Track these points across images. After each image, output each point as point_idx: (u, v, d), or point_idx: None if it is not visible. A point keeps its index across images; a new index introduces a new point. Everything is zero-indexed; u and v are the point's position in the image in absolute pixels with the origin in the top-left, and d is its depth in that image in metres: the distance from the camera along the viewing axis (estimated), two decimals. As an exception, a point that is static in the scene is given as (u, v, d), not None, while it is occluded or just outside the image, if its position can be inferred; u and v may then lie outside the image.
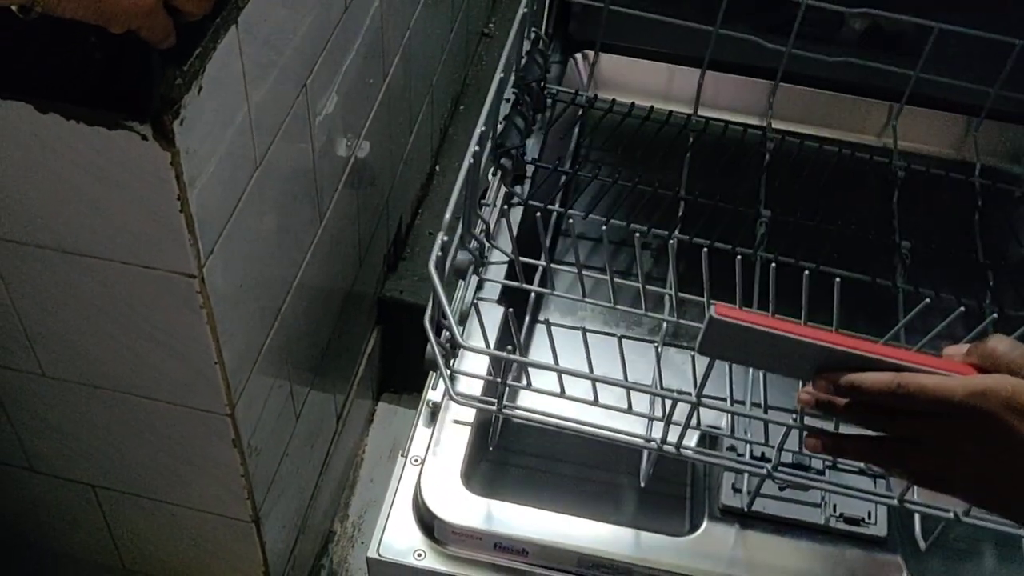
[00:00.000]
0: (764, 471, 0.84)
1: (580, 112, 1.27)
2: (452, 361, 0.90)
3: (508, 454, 0.97)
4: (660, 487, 0.94)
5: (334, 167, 1.15)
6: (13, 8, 0.60)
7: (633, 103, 1.26)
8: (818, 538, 0.89)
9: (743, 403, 0.97)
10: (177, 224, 0.79)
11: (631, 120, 1.24)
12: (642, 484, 0.93)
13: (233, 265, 0.89)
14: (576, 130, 1.27)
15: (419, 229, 1.61)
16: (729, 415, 0.94)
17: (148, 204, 0.78)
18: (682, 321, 1.01)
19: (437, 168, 1.71)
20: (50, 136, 0.75)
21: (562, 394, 0.85)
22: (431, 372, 0.96)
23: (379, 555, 0.87)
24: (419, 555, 0.87)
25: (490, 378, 0.91)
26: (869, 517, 0.89)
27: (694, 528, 0.90)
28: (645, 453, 0.93)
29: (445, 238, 0.88)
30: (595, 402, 0.85)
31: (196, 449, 1.02)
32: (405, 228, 1.58)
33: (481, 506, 0.88)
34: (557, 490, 0.95)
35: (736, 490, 0.91)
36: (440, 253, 0.86)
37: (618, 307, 0.98)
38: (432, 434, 0.93)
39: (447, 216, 0.89)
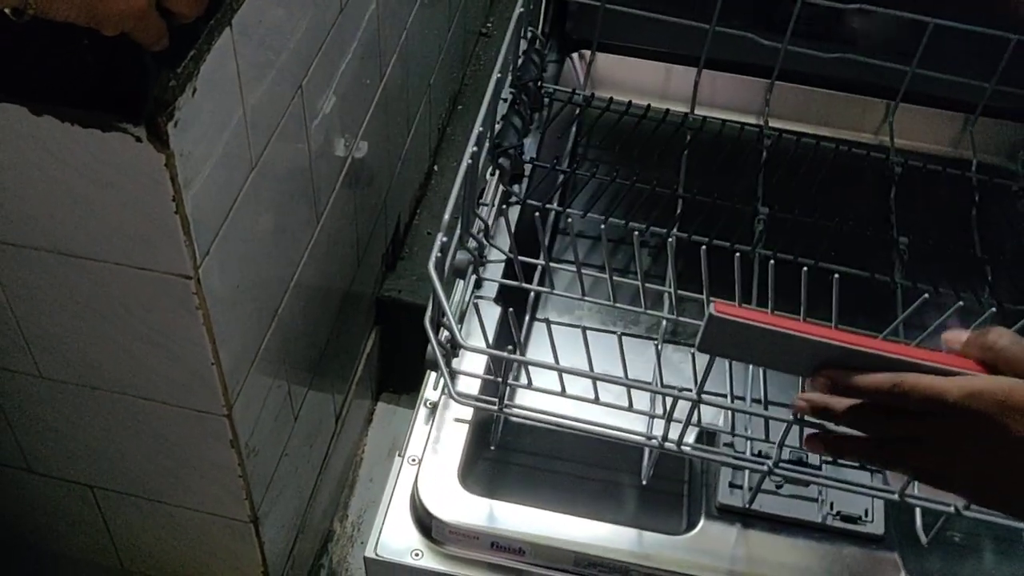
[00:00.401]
0: (765, 467, 0.84)
1: (577, 111, 1.27)
2: (452, 361, 0.91)
3: (505, 453, 0.97)
4: (657, 486, 0.94)
5: (331, 167, 1.15)
6: (6, 11, 0.60)
7: (630, 101, 1.26)
8: (815, 536, 0.89)
9: (743, 399, 0.97)
10: (172, 225, 0.79)
11: (628, 119, 1.24)
12: (644, 482, 0.93)
13: (229, 266, 0.90)
14: (573, 129, 1.27)
15: (417, 229, 1.61)
16: (729, 412, 0.94)
17: (143, 206, 0.78)
18: (681, 319, 1.01)
19: (435, 167, 1.71)
20: (45, 138, 0.75)
21: (563, 393, 0.85)
22: (429, 372, 0.96)
23: (376, 555, 0.87)
24: (416, 555, 0.87)
25: (490, 378, 0.91)
26: (866, 515, 0.89)
27: (691, 527, 0.90)
28: (646, 451, 0.93)
29: (444, 239, 0.88)
30: (596, 400, 0.85)
31: (194, 450, 1.02)
32: (403, 227, 1.58)
33: (478, 505, 0.88)
34: (554, 489, 0.95)
35: (734, 487, 0.91)
36: (439, 254, 0.86)
37: (617, 305, 0.98)
38: (429, 434, 0.93)
39: (446, 217, 0.89)
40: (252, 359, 1.01)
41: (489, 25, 1.95)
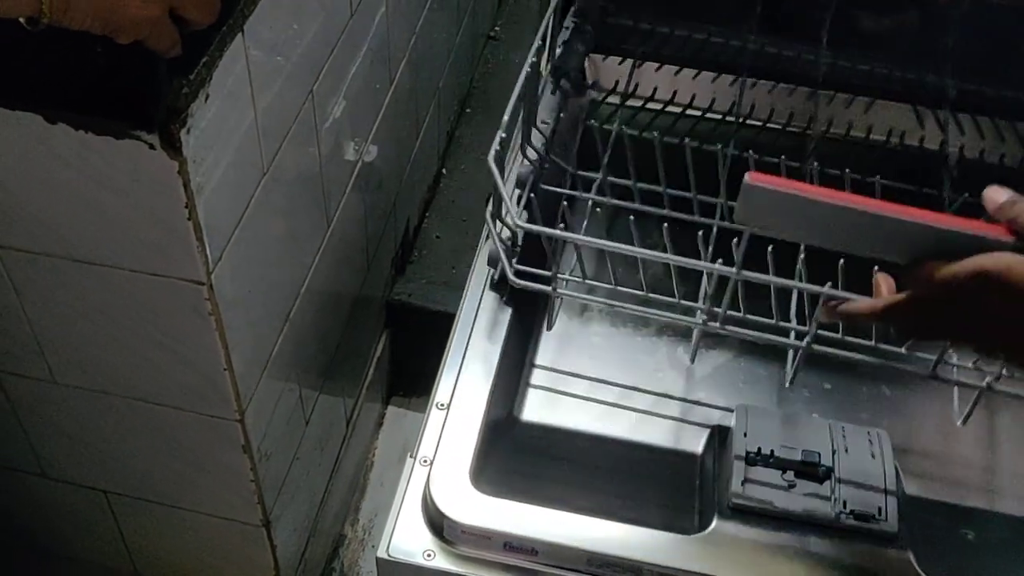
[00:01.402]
0: (803, 344, 0.89)
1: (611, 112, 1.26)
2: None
3: (517, 453, 0.97)
4: (669, 485, 0.94)
5: (341, 171, 1.16)
6: (21, 20, 0.61)
7: (672, 97, 1.25)
8: (828, 534, 0.89)
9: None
10: (185, 232, 0.79)
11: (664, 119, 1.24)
12: (691, 362, 0.97)
13: (241, 271, 0.90)
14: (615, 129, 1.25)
15: (426, 232, 1.61)
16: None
17: (156, 212, 0.79)
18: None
19: (444, 171, 1.71)
20: (59, 146, 0.75)
21: (615, 284, 0.90)
22: (441, 369, 0.96)
23: (388, 555, 0.87)
24: (428, 555, 0.88)
25: (545, 279, 0.94)
26: (880, 513, 0.89)
27: (704, 526, 0.90)
28: (694, 332, 0.97)
29: (503, 135, 0.92)
30: (645, 294, 0.91)
31: (206, 454, 1.03)
32: (412, 231, 1.58)
33: (490, 505, 0.89)
34: (566, 489, 0.95)
35: (745, 485, 0.91)
36: (499, 148, 0.91)
37: (671, 213, 1.01)
38: (441, 434, 0.93)
39: (505, 118, 0.94)
40: (264, 364, 1.01)
41: (497, 29, 1.95)
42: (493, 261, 0.95)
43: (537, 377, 1.02)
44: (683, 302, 0.92)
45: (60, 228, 0.83)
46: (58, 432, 1.05)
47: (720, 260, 0.90)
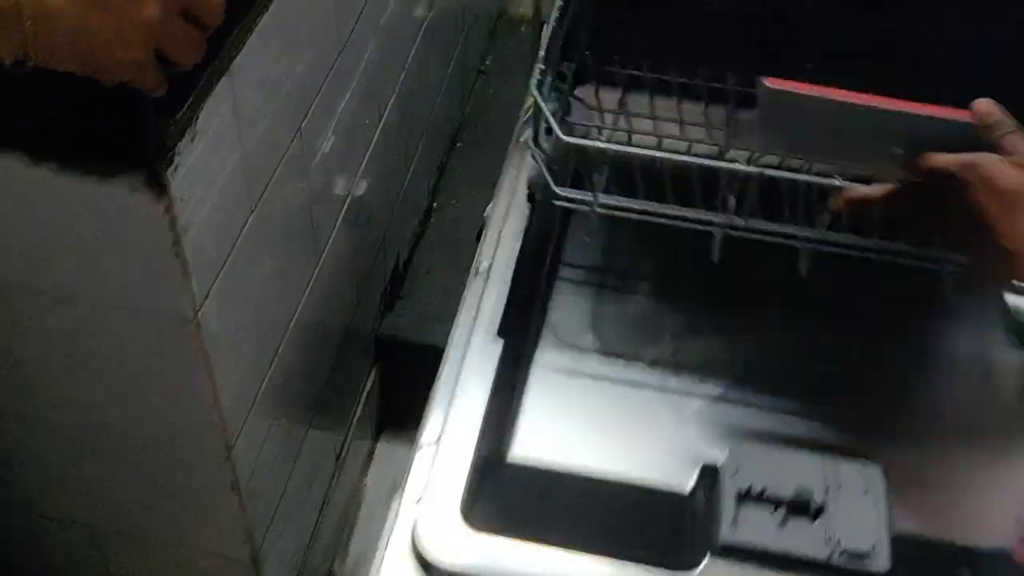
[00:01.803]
0: (816, 235, 0.91)
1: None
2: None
3: (505, 491, 0.97)
4: (659, 522, 0.94)
5: (331, 206, 1.16)
6: (5, 63, 0.61)
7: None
8: (821, 574, 0.88)
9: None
10: (172, 269, 0.79)
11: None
12: (714, 260, 0.98)
13: (229, 308, 0.90)
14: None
15: (417, 266, 1.61)
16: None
17: (143, 250, 0.78)
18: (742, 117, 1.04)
19: (435, 205, 1.71)
20: (44, 185, 0.75)
21: (644, 197, 0.94)
22: (429, 404, 0.96)
23: (376, 599, 0.86)
24: (417, 598, 0.87)
25: (584, 201, 0.95)
26: (873, 552, 0.89)
27: (694, 564, 0.89)
28: (715, 235, 0.98)
29: (542, 66, 0.98)
30: (672, 200, 0.94)
31: (194, 491, 1.02)
32: (403, 265, 1.58)
33: (478, 544, 0.88)
34: (556, 526, 0.94)
35: (736, 524, 0.90)
36: (539, 78, 0.97)
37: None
38: (430, 472, 0.93)
39: (541, 52, 0.99)
40: (252, 400, 1.00)
41: (488, 63, 1.96)
42: (533, 184, 1.01)
43: (527, 413, 1.01)
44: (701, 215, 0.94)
45: (47, 266, 0.83)
46: (44, 468, 1.04)
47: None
